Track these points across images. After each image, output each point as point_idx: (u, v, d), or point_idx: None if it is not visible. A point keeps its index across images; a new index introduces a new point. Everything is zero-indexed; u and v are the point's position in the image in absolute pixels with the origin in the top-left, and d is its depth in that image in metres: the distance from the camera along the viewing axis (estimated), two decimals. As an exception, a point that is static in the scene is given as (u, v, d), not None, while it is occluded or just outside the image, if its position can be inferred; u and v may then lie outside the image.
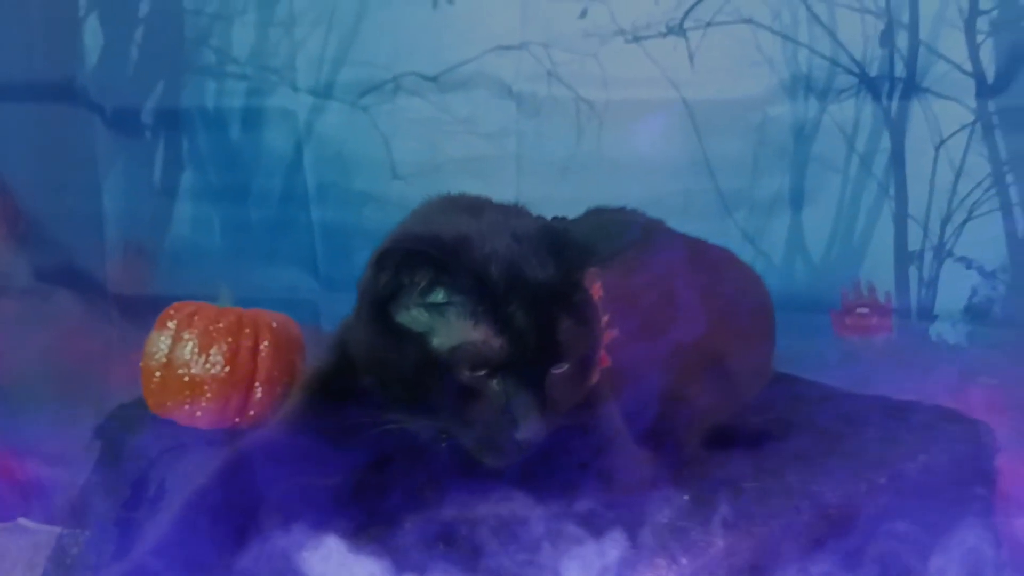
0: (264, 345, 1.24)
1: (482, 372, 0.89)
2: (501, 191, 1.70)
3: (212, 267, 1.96)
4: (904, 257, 1.79)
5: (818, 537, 0.99)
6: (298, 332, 1.30)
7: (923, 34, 1.72)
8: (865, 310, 1.81)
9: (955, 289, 1.75)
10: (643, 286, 1.17)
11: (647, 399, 1.05)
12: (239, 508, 0.88)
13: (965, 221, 1.74)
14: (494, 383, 0.89)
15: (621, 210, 1.38)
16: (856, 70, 1.76)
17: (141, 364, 1.25)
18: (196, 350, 1.21)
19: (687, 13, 1.78)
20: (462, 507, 0.88)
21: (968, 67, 1.70)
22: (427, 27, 1.85)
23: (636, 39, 1.80)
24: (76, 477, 1.78)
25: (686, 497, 0.96)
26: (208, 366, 1.21)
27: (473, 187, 1.71)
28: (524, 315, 0.89)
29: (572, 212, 1.29)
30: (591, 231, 0.99)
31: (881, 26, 1.74)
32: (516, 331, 0.89)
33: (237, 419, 1.24)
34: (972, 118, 1.71)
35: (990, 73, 1.69)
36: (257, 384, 1.23)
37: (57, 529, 1.74)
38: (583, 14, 1.80)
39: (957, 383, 1.66)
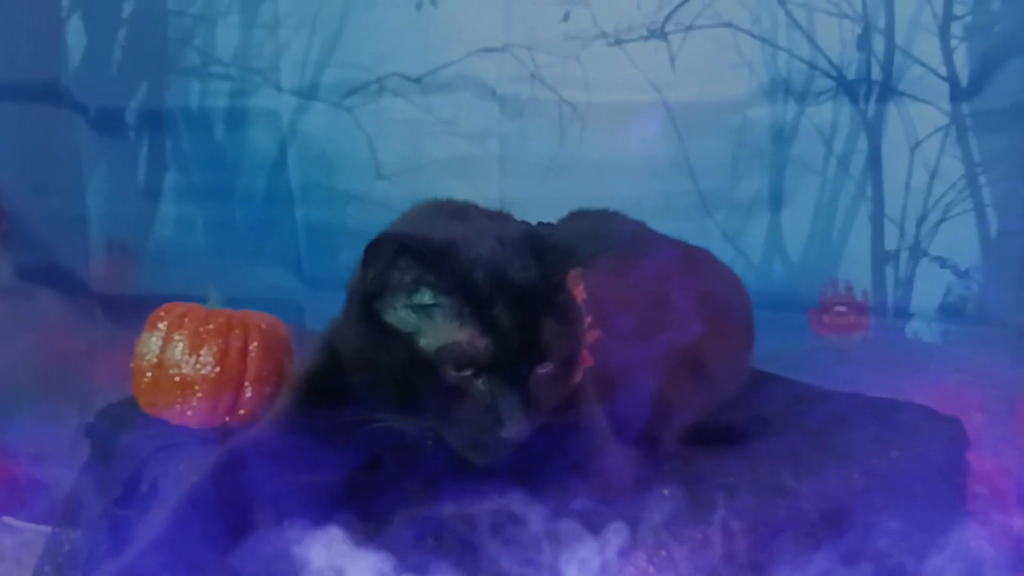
0: (253, 346, 1.25)
1: (468, 372, 0.90)
2: (484, 191, 1.73)
3: (196, 267, 1.96)
4: (881, 256, 1.81)
5: (794, 530, 1.01)
6: (286, 333, 1.31)
7: (899, 39, 1.75)
8: (843, 308, 1.83)
9: (930, 288, 1.78)
10: (625, 288, 1.19)
11: (628, 398, 1.07)
12: (231, 507, 0.89)
13: (940, 221, 1.76)
14: (480, 383, 0.91)
15: (603, 212, 1.39)
16: (834, 73, 1.78)
17: (132, 364, 1.27)
18: (187, 351, 1.22)
19: (668, 17, 1.80)
20: (451, 504, 0.90)
21: (943, 71, 1.73)
22: (411, 29, 1.86)
23: (618, 42, 1.81)
24: (61, 476, 1.79)
25: (666, 492, 0.99)
26: (199, 366, 1.22)
27: (457, 187, 1.73)
28: (508, 317, 0.91)
29: (555, 212, 1.30)
30: (573, 235, 1.00)
31: (858, 31, 1.76)
32: (501, 332, 0.90)
33: (227, 418, 1.25)
34: (946, 121, 1.73)
35: (964, 77, 1.72)
36: (247, 384, 1.25)
37: (43, 528, 1.76)
38: (566, 17, 1.82)
39: (932, 380, 1.68)
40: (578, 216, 1.35)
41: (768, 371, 1.54)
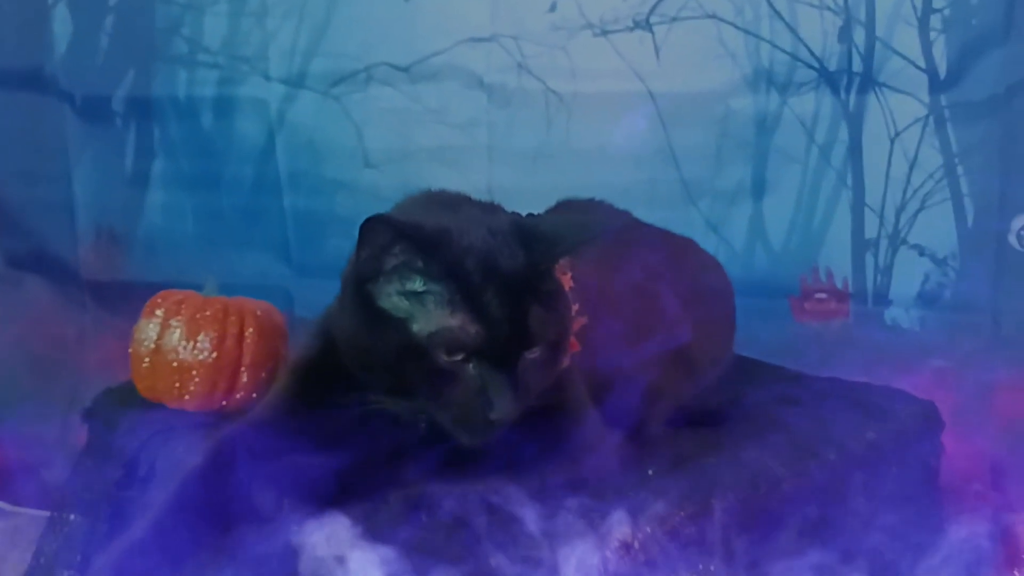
0: (249, 332, 1.27)
1: (459, 356, 0.93)
2: (472, 180, 1.76)
3: (185, 254, 1.97)
4: (861, 245, 1.83)
5: (772, 509, 1.04)
6: (281, 319, 1.33)
7: (879, 31, 1.76)
8: (823, 295, 1.85)
9: (909, 276, 1.80)
10: (610, 276, 1.21)
11: (614, 382, 1.10)
12: (219, 503, 0.91)
13: (918, 210, 1.78)
14: (470, 367, 0.93)
15: (589, 202, 1.41)
16: (816, 65, 1.79)
17: (130, 350, 1.29)
18: (184, 337, 1.24)
19: (653, 8, 1.81)
20: (441, 483, 0.93)
21: (922, 63, 1.74)
22: (399, 18, 1.86)
23: (604, 33, 1.82)
24: (51, 461, 1.81)
25: (650, 472, 1.02)
26: (196, 352, 1.24)
27: (445, 176, 1.76)
28: (498, 303, 0.93)
29: (542, 200, 1.32)
30: (561, 225, 1.03)
31: (840, 23, 1.77)
32: (491, 318, 0.93)
33: (224, 402, 1.27)
34: (925, 112, 1.75)
35: (942, 69, 1.73)
36: (243, 369, 1.27)
37: (35, 512, 1.78)
38: (552, 8, 1.83)
39: (910, 365, 1.70)
40: (565, 206, 1.37)
41: (750, 356, 1.56)
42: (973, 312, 1.74)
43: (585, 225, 1.05)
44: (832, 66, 1.79)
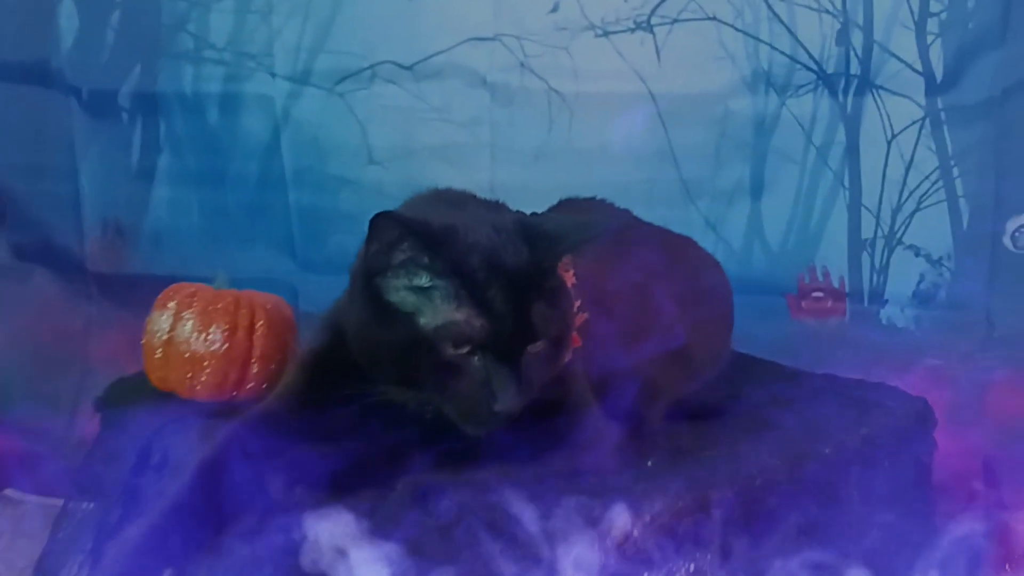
0: (260, 324, 1.30)
1: (464, 349, 0.96)
2: (475, 178, 1.77)
3: (190, 248, 1.98)
4: (857, 244, 1.85)
5: (768, 502, 1.07)
6: (290, 313, 1.36)
7: (877, 34, 1.78)
8: (820, 294, 1.87)
9: (904, 275, 1.82)
10: (611, 274, 1.23)
11: (615, 377, 1.13)
12: (230, 489, 0.93)
13: (914, 211, 1.80)
14: (475, 359, 0.96)
15: (591, 201, 1.43)
16: (814, 67, 1.81)
17: (143, 341, 1.31)
18: (196, 328, 1.27)
19: (654, 10, 1.82)
20: (446, 472, 0.95)
21: (919, 66, 1.77)
22: (403, 17, 1.87)
23: (605, 34, 1.84)
24: (58, 450, 1.83)
25: (649, 463, 1.04)
26: (208, 343, 1.27)
27: (447, 174, 1.77)
28: (502, 299, 0.96)
29: (543, 198, 1.34)
30: (564, 224, 1.06)
31: (838, 26, 1.79)
32: (496, 313, 0.96)
33: (235, 392, 1.30)
34: (922, 114, 1.77)
35: (939, 72, 1.76)
36: (253, 360, 1.30)
37: (43, 499, 1.80)
38: (554, 8, 1.84)
39: (905, 363, 1.73)
40: (567, 205, 1.39)
41: (747, 353, 1.58)
42: (967, 312, 1.77)
43: (587, 224, 1.08)
44: (830, 68, 1.81)
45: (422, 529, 0.90)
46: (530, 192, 1.26)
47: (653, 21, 1.83)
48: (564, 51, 1.85)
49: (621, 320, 1.18)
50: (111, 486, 1.14)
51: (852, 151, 1.83)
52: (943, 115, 1.77)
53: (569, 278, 1.07)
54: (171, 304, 1.29)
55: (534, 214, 1.13)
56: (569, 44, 1.85)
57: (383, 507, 0.93)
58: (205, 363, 1.27)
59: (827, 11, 1.79)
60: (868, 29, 1.79)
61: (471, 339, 0.95)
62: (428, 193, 1.13)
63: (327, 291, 1.16)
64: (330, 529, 0.88)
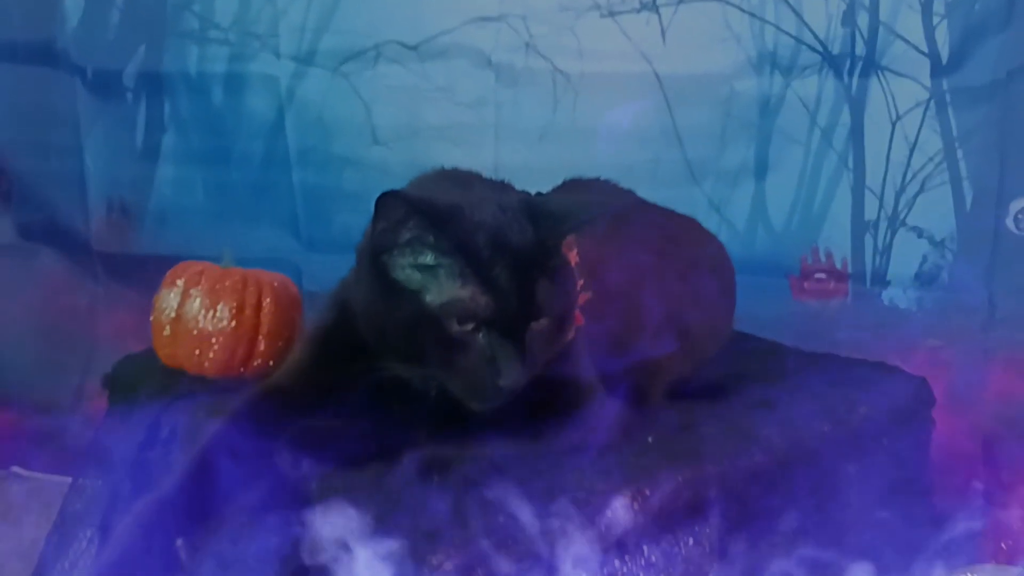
0: (267, 302, 1.32)
1: (469, 326, 0.97)
2: (480, 158, 1.78)
3: (195, 228, 1.99)
4: (860, 226, 1.85)
5: (767, 474, 1.08)
6: (296, 291, 1.37)
7: (883, 15, 1.78)
8: (822, 275, 1.87)
9: (907, 256, 1.82)
10: (614, 253, 1.24)
11: (617, 354, 1.14)
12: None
13: (918, 193, 1.80)
14: (480, 336, 0.97)
15: (595, 181, 1.43)
16: (819, 48, 1.81)
17: (152, 318, 1.33)
18: (204, 306, 1.29)
19: (660, -10, 1.81)
20: (451, 445, 0.97)
21: (924, 47, 1.76)
22: (408, -3, 1.87)
23: (611, 14, 1.84)
24: (65, 427, 1.85)
25: (650, 439, 1.06)
26: (216, 321, 1.28)
27: (452, 154, 1.78)
28: (507, 276, 0.97)
29: (548, 179, 1.34)
30: (568, 203, 1.07)
31: (843, 7, 1.79)
32: (500, 290, 0.96)
33: (242, 369, 1.32)
34: (927, 96, 1.77)
35: (944, 53, 1.75)
36: (260, 337, 1.32)
37: (50, 476, 1.82)
38: (560, -12, 1.83)
39: (906, 344, 1.74)
40: (571, 185, 1.39)
41: (750, 333, 1.59)
42: (969, 293, 1.77)
43: (591, 204, 1.09)
44: (835, 49, 1.81)
45: (424, 510, 0.91)
46: (534, 172, 1.26)
47: (659, 1, 1.83)
48: (569, 31, 1.85)
49: (623, 299, 1.19)
50: (120, 461, 1.15)
51: (856, 132, 1.83)
52: (948, 97, 1.76)
53: (572, 257, 1.08)
54: (179, 282, 1.31)
55: (538, 194, 1.13)
56: (574, 24, 1.85)
57: (387, 484, 0.94)
58: (213, 340, 1.28)
59: (833, -8, 1.78)
60: (874, 10, 1.78)
61: (476, 316, 0.96)
62: (434, 173, 1.14)
63: (331, 270, 1.17)
64: (329, 522, 0.89)
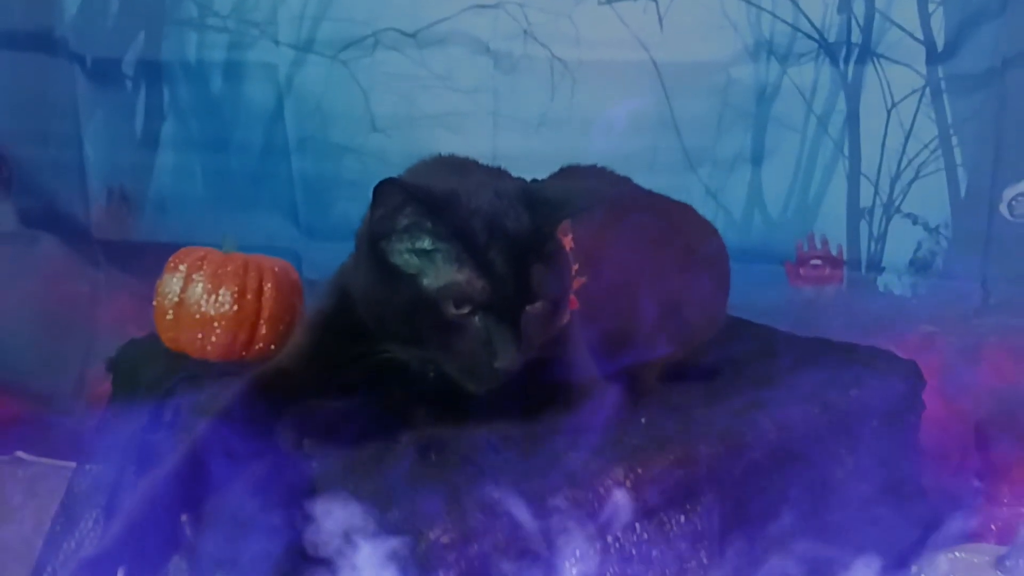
0: (268, 287, 1.33)
1: (466, 309, 0.98)
2: (477, 145, 1.78)
3: (194, 215, 2.00)
4: (856, 212, 1.85)
5: (758, 454, 1.10)
6: (297, 276, 1.39)
7: (879, 3, 1.77)
8: (818, 262, 1.88)
9: (902, 243, 1.83)
10: (609, 239, 1.25)
11: (612, 338, 1.16)
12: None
13: (913, 180, 1.81)
14: (476, 319, 0.99)
15: (591, 168, 1.44)
16: (815, 36, 1.81)
17: (154, 303, 1.34)
18: (206, 291, 1.30)
19: (658, -22, 1.81)
20: (448, 426, 0.99)
21: (920, 35, 1.76)
22: (406, -16, 1.87)
23: (608, 1, 1.83)
24: (67, 412, 1.86)
25: (643, 420, 1.08)
26: (218, 305, 1.30)
27: (450, 141, 1.78)
28: (503, 261, 0.99)
29: (545, 166, 1.35)
30: (563, 190, 1.08)
31: (840, -6, 1.78)
32: (496, 275, 0.98)
33: (244, 353, 1.34)
34: (922, 83, 1.77)
35: (940, 41, 1.75)
36: (262, 322, 1.33)
37: (53, 461, 1.84)
38: (558, -24, 1.82)
39: (900, 330, 1.75)
40: (568, 172, 1.40)
41: (745, 318, 1.60)
42: (964, 279, 1.78)
43: (587, 191, 1.10)
44: (831, 37, 1.81)
45: (422, 489, 0.92)
46: (532, 159, 1.27)
47: (656, -11, 1.82)
48: (567, 19, 1.85)
49: (617, 284, 1.20)
50: (124, 444, 1.17)
51: (852, 120, 1.83)
52: (943, 84, 1.77)
53: (568, 242, 1.09)
54: (182, 267, 1.32)
55: (535, 181, 1.15)
56: (572, 12, 1.84)
57: (386, 465, 0.95)
58: (215, 324, 1.30)
59: (829, -21, 1.78)
60: (870, -2, 1.78)
61: (472, 299, 0.98)
62: (431, 160, 1.15)
63: (330, 257, 1.19)
64: (330, 513, 0.89)
